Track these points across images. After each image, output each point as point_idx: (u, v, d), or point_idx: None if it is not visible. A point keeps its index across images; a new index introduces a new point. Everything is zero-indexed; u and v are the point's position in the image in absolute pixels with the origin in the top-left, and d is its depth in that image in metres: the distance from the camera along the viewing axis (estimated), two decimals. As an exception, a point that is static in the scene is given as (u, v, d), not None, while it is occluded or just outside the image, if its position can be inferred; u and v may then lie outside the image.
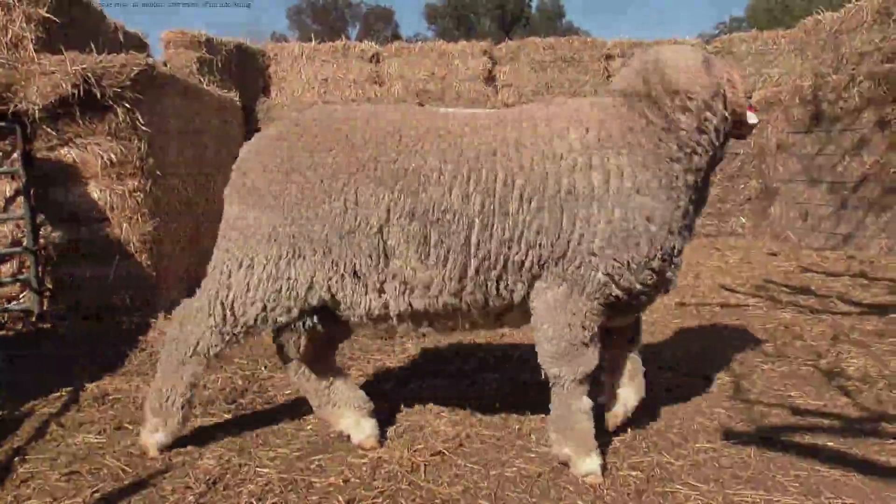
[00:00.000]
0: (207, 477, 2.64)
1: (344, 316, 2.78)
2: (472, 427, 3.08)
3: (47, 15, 5.79)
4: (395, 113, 2.79)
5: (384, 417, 3.22)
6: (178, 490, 2.56)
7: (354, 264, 2.63)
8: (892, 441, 2.85)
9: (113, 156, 5.33)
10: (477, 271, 2.58)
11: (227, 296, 2.72)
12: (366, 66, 11.50)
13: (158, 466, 2.76)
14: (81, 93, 5.10)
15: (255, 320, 2.73)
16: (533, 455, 2.81)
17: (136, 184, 5.44)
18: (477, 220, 2.54)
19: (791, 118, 8.93)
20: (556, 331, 2.60)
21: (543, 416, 3.17)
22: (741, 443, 2.89)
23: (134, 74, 5.25)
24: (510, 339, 4.56)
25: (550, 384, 2.71)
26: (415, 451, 2.82)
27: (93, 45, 5.77)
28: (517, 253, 2.55)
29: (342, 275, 2.65)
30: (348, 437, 2.97)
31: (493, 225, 2.54)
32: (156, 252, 5.61)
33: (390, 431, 3.07)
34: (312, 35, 12.70)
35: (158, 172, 5.69)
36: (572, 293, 2.57)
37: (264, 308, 2.70)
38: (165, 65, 8.57)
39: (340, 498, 2.46)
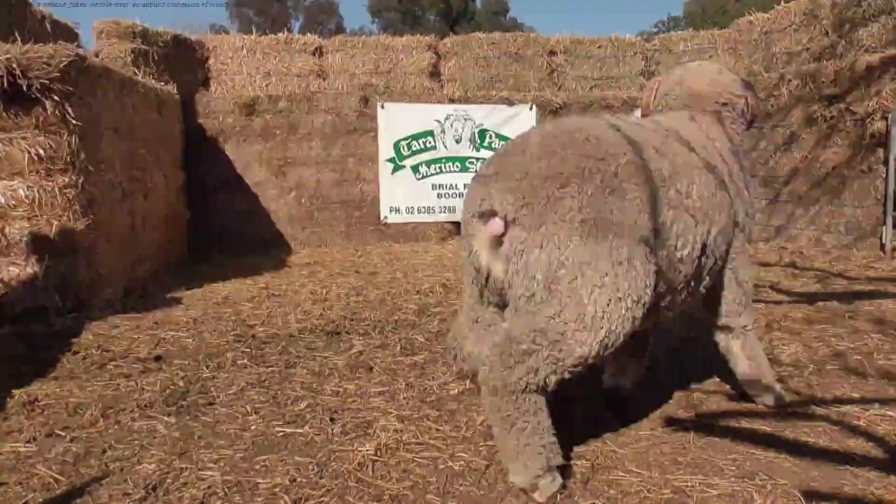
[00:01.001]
0: (147, 482, 2.55)
1: None
2: (419, 422, 3.08)
3: (-36, 2, 5.48)
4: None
5: (329, 415, 3.19)
6: (116, 497, 2.46)
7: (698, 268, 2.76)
8: (820, 424, 2.99)
9: (41, 150, 5.09)
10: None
11: (610, 324, 2.34)
12: (309, 59, 11.30)
13: (94, 473, 2.65)
14: (5, 84, 4.85)
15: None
16: (481, 448, 2.83)
17: (66, 180, 5.21)
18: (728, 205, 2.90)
19: (726, 115, 9.24)
20: (748, 284, 3.14)
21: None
22: (682, 429, 2.98)
23: (63, 65, 5.02)
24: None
25: (741, 333, 3.14)
26: (362, 447, 2.80)
27: (17, 35, 5.48)
28: (726, 222, 2.94)
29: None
30: None
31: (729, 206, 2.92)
32: (88, 250, 5.38)
33: (336, 429, 3.04)
34: (254, 27, 12.37)
35: (90, 168, 5.45)
36: (747, 256, 3.16)
37: (632, 323, 2.42)
38: (97, 56, 8.21)
39: (287, 498, 2.41)
